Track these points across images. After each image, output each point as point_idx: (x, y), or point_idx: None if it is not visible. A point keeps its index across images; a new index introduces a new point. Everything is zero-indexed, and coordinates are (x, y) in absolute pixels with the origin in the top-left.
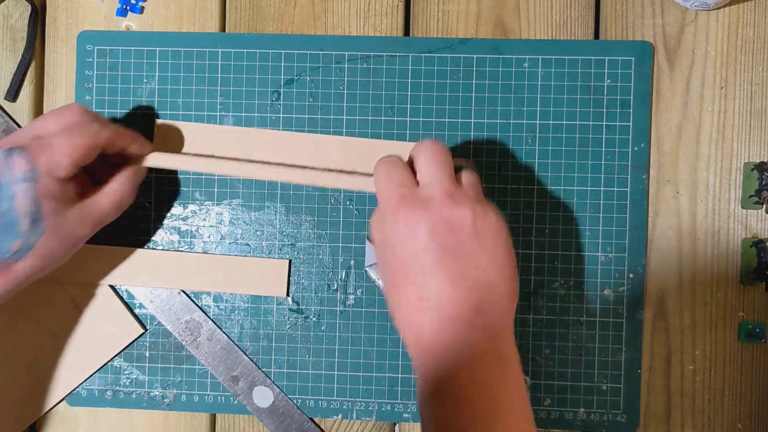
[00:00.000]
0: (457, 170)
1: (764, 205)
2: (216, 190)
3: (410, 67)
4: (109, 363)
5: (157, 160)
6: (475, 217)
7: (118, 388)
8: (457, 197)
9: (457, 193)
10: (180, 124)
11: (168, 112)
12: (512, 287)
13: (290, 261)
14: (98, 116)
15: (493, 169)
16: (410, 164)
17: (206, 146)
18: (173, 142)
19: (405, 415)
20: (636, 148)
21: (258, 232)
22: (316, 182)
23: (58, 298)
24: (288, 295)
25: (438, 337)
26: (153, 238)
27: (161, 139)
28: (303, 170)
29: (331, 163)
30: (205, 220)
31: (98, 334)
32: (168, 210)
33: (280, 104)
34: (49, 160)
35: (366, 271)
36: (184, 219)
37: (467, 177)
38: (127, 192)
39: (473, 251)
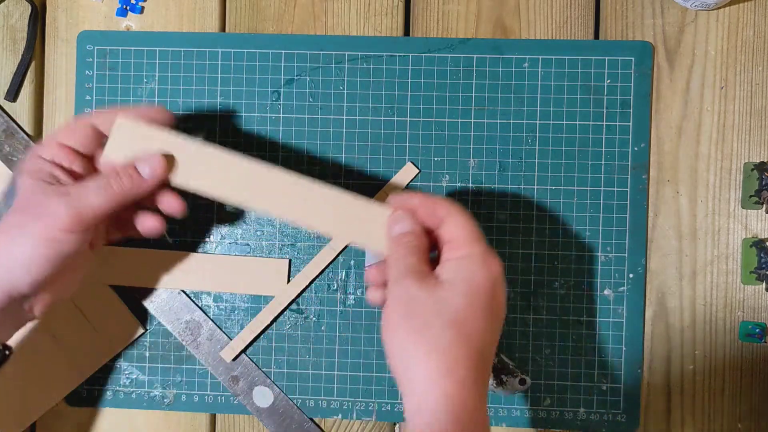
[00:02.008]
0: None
1: (764, 205)
2: None
3: (410, 67)
4: (109, 363)
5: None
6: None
7: (118, 388)
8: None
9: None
10: (144, 129)
11: None
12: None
13: (290, 261)
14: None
15: (494, 170)
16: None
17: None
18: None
19: (405, 414)
20: (636, 148)
21: (258, 232)
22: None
23: None
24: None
25: (480, 375)
26: (153, 238)
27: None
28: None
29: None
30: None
31: (98, 334)
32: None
33: (280, 104)
34: (34, 149)
35: (366, 271)
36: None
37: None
38: (117, 176)
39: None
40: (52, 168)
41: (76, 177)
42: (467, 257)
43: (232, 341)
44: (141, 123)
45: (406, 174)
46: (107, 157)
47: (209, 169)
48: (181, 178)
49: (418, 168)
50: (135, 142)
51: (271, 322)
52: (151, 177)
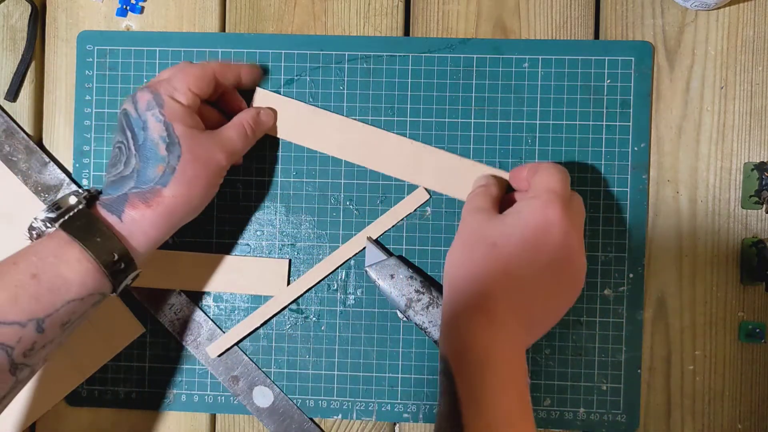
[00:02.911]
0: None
1: (764, 205)
2: None
3: (410, 67)
4: (109, 363)
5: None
6: (580, 240)
7: (118, 388)
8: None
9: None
10: (280, 98)
11: None
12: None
13: (290, 261)
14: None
15: None
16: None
17: (297, 123)
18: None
19: (405, 415)
20: (636, 148)
21: (258, 232)
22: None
23: None
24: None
25: (494, 359)
26: None
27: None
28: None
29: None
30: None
31: (98, 334)
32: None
33: None
34: (169, 87)
35: (366, 271)
36: None
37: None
38: (249, 125)
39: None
40: (193, 114)
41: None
42: (528, 199)
43: (220, 338)
44: (274, 95)
45: (415, 199)
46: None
47: (321, 127)
48: (303, 138)
49: (429, 194)
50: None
51: (261, 325)
52: (268, 125)
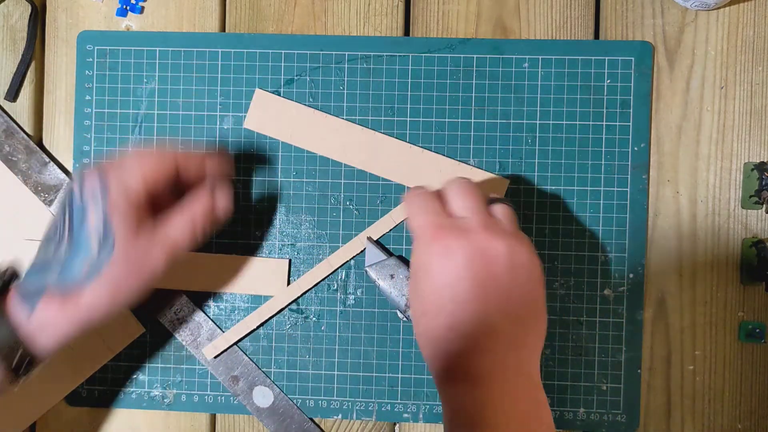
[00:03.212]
0: (491, 203)
1: (764, 205)
2: None
3: (410, 67)
4: (109, 363)
5: (254, 124)
6: (510, 250)
7: (118, 388)
8: (493, 229)
9: (493, 226)
10: (280, 100)
11: (168, 112)
12: (541, 326)
13: (290, 261)
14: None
15: (494, 170)
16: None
17: (297, 126)
18: (268, 114)
19: (405, 415)
20: (636, 148)
21: (258, 232)
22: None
23: None
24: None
25: (467, 369)
26: None
27: (257, 108)
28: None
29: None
30: None
31: (98, 334)
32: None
33: None
34: (119, 178)
35: (366, 271)
36: None
37: (502, 210)
38: (200, 219)
39: (506, 285)
40: (139, 209)
41: (153, 203)
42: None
43: (217, 339)
44: (273, 96)
45: None
46: (247, 123)
47: (320, 130)
48: (303, 140)
49: None
50: (269, 110)
51: (260, 326)
52: (222, 220)
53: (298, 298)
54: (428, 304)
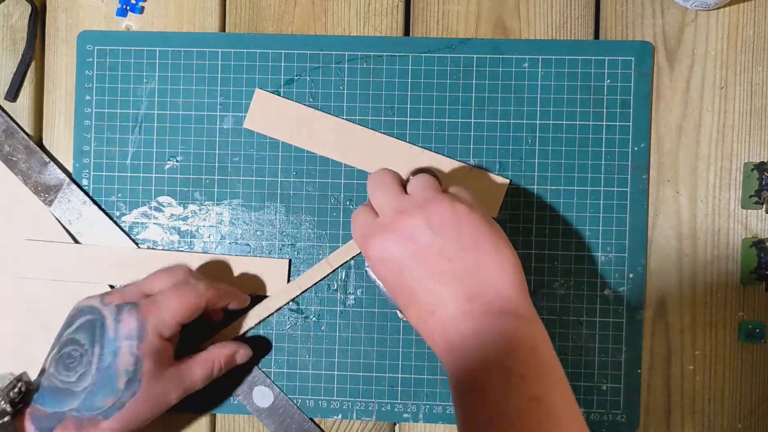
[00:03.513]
0: (414, 174)
1: (764, 205)
2: (216, 190)
3: (410, 67)
4: None
5: (254, 124)
6: (426, 217)
7: None
8: (405, 208)
9: (403, 205)
10: (280, 100)
11: (168, 112)
12: (498, 259)
13: (290, 261)
14: (201, 276)
15: (494, 170)
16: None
17: (297, 126)
18: (268, 114)
19: (405, 415)
20: (636, 148)
21: (258, 232)
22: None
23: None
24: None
25: (455, 340)
26: (153, 238)
27: (257, 108)
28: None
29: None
30: (205, 220)
31: None
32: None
33: None
34: (157, 319)
35: (366, 271)
36: (184, 219)
37: (415, 182)
38: (219, 365)
39: (439, 248)
40: (168, 349)
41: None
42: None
43: (210, 340)
44: (273, 96)
45: None
46: (247, 123)
47: (320, 130)
48: (303, 140)
49: None
50: (269, 110)
51: (258, 323)
52: (239, 364)
53: (297, 297)
54: (406, 300)
